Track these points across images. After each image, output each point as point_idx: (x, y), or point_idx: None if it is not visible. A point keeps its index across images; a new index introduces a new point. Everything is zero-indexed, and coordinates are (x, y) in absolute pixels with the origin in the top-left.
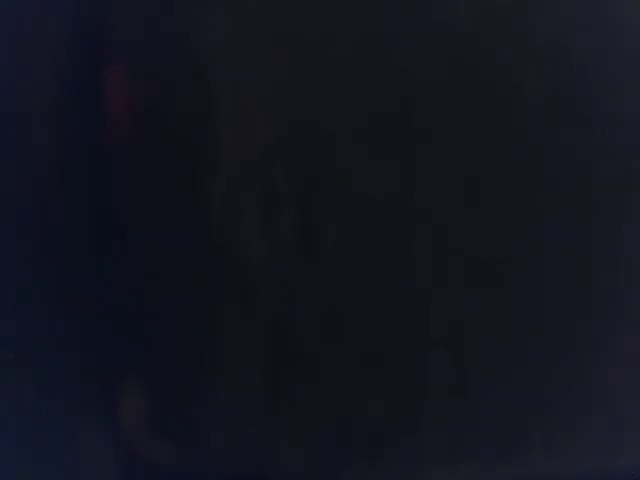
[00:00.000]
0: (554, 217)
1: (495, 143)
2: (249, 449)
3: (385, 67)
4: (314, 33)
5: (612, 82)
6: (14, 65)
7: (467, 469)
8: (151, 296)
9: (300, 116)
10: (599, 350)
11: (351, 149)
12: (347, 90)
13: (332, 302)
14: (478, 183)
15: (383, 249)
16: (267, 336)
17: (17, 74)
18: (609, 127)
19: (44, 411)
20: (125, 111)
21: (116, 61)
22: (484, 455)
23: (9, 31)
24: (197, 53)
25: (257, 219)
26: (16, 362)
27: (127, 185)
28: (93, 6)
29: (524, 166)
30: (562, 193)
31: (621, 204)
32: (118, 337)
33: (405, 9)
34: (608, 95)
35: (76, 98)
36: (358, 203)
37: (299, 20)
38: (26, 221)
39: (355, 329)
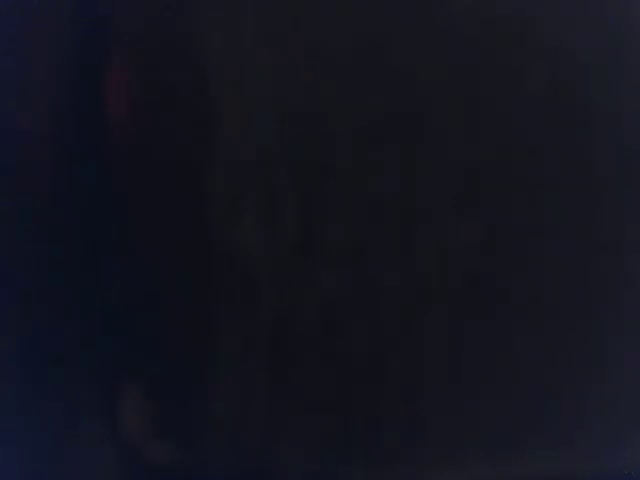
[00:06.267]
0: (554, 217)
1: (495, 143)
2: (249, 449)
3: (385, 67)
4: (314, 33)
5: (612, 82)
6: (15, 64)
7: (467, 469)
8: (150, 296)
9: (300, 116)
10: (599, 351)
11: (351, 149)
12: (347, 90)
13: (332, 302)
14: (478, 183)
15: (383, 249)
16: (267, 336)
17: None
18: (609, 127)
19: (44, 412)
20: (125, 110)
21: (116, 60)
22: (484, 455)
23: (10, 30)
24: (197, 52)
25: (257, 219)
26: (17, 362)
27: (127, 184)
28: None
29: (524, 166)
30: (562, 194)
31: (621, 205)
32: (117, 337)
33: (405, 9)
34: (608, 95)
35: (77, 97)
36: (358, 203)
37: (300, 19)
38: (26, 220)
39: (355, 329)
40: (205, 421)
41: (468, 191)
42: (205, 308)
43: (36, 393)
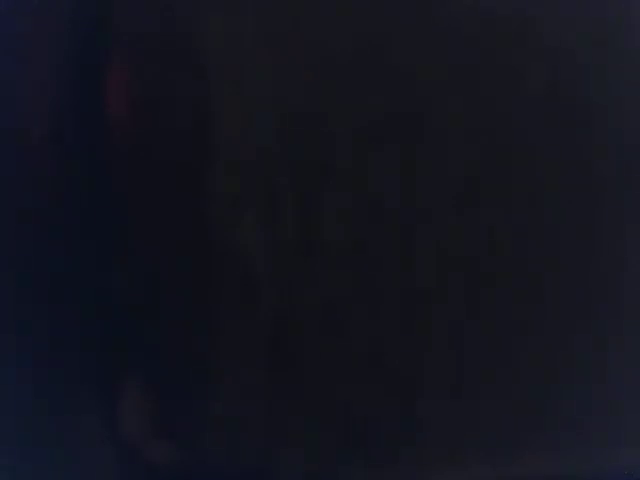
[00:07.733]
0: (554, 217)
1: (495, 143)
2: (249, 450)
3: (385, 67)
4: (314, 33)
5: (612, 82)
6: (15, 64)
7: (467, 469)
8: (150, 295)
9: (300, 116)
10: (599, 351)
11: (351, 149)
12: (347, 90)
13: (332, 302)
14: (478, 183)
15: (383, 249)
16: (267, 336)
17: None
18: (609, 127)
19: (44, 411)
20: (125, 110)
21: (116, 60)
22: (484, 455)
23: (10, 31)
24: (197, 52)
25: (257, 219)
26: (17, 362)
27: (127, 184)
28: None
29: (524, 166)
30: (562, 194)
31: (621, 205)
32: (117, 337)
33: (405, 9)
34: (608, 95)
35: (77, 97)
36: (358, 203)
37: (300, 19)
38: (25, 220)
39: (355, 329)
40: (205, 421)
41: (468, 191)
42: (205, 308)
43: (36, 393)
